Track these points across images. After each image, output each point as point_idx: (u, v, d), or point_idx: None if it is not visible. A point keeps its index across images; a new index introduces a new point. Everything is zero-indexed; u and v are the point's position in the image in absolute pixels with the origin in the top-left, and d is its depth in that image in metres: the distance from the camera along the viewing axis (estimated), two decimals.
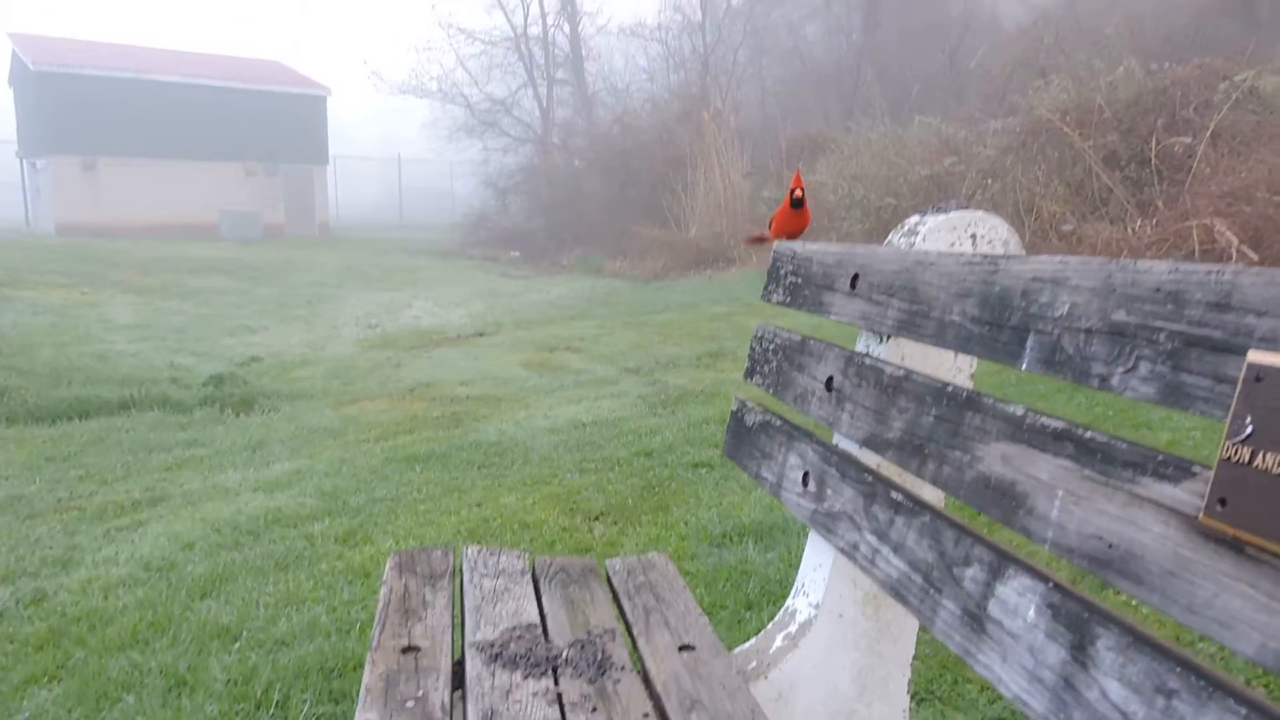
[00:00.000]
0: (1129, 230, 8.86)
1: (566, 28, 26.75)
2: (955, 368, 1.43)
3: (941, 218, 1.42)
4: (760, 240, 2.02)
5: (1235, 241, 8.11)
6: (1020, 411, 1.00)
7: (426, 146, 29.37)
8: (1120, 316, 0.87)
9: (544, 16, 26.60)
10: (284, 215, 30.02)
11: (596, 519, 3.71)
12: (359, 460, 4.80)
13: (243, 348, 9.27)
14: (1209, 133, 8.73)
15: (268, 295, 14.07)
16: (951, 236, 1.41)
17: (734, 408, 1.85)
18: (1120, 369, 0.86)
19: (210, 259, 19.16)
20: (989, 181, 10.21)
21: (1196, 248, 8.41)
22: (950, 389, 1.14)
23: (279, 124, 29.78)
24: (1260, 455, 0.69)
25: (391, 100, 26.97)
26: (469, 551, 1.83)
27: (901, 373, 1.27)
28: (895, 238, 1.48)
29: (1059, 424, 0.94)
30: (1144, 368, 0.84)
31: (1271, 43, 10.18)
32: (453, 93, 26.23)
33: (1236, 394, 0.72)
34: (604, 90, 26.44)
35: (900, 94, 18.20)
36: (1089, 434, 0.89)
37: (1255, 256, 8.02)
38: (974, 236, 1.41)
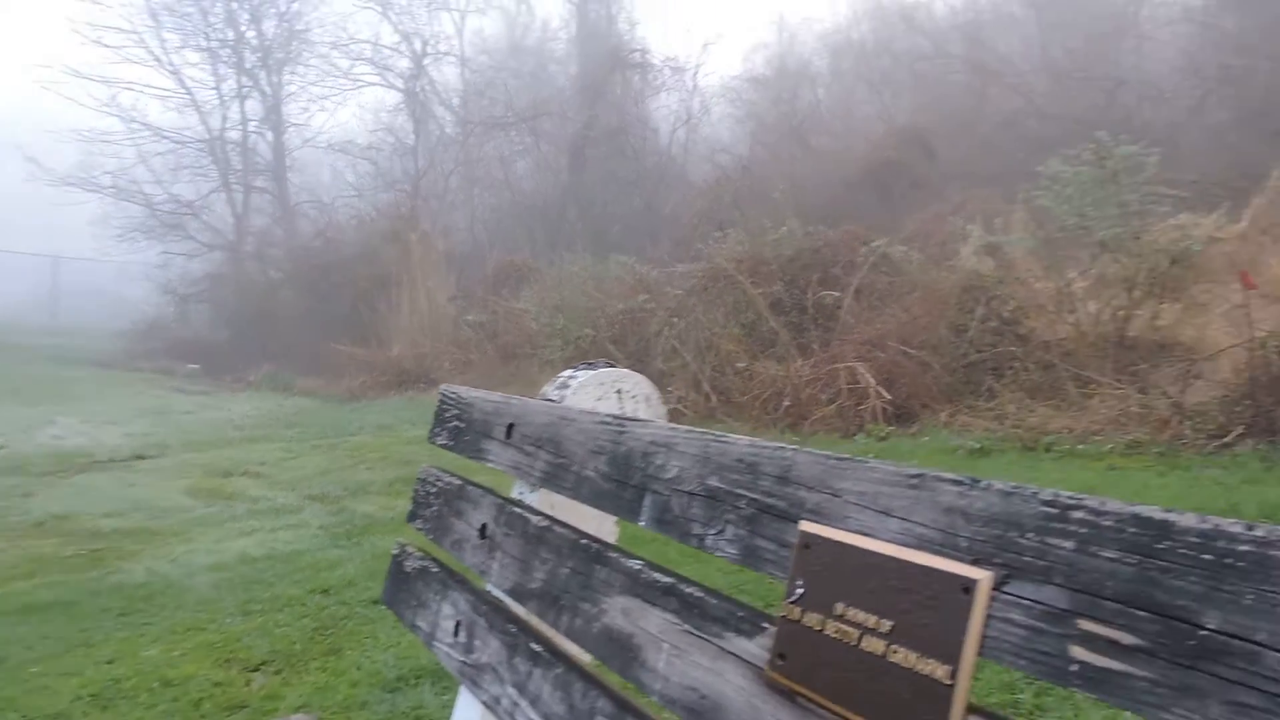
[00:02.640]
0: (791, 369, 9.98)
1: (270, 135, 25.78)
2: (600, 519, 1.50)
3: (591, 373, 1.52)
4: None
5: (873, 382, 9.40)
6: (638, 566, 1.07)
7: (93, 245, 26.39)
8: (714, 483, 0.98)
9: (245, 122, 25.46)
10: None
11: (256, 669, 3.36)
12: None
13: None
14: (853, 289, 10.20)
15: None
16: (599, 391, 1.51)
17: (395, 552, 1.80)
18: (713, 531, 0.96)
19: None
20: (676, 320, 11.09)
21: (844, 387, 9.63)
22: (584, 542, 1.20)
23: None
24: (808, 615, 0.79)
25: (53, 191, 24.01)
26: None
27: (545, 523, 1.31)
28: (550, 390, 1.55)
29: (668, 579, 1.01)
30: (730, 531, 0.94)
31: (900, 217, 12.26)
32: (130, 190, 23.96)
33: (792, 559, 0.83)
34: (307, 202, 25.58)
35: (602, 231, 19.49)
36: (690, 589, 0.97)
37: (889, 395, 9.33)
38: (619, 392, 1.52)
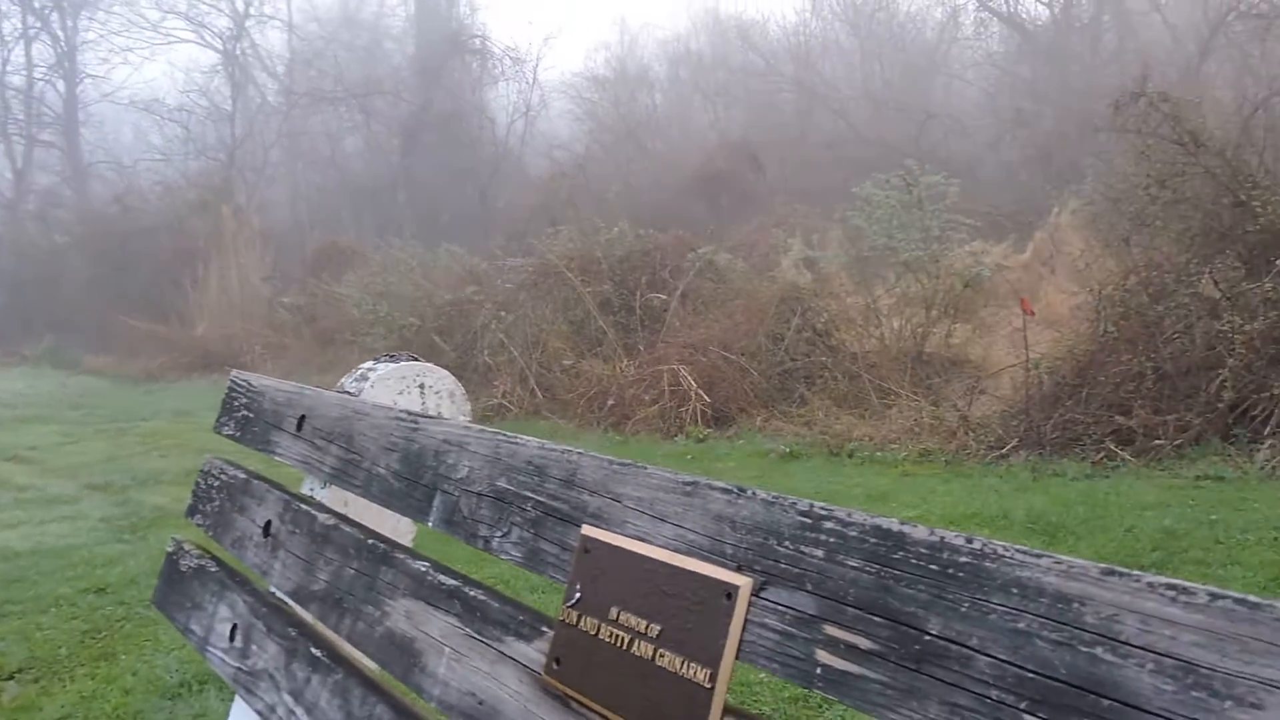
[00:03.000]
0: (616, 369, 10.10)
1: (61, 85, 23.35)
2: (398, 518, 1.45)
3: (392, 366, 1.47)
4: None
5: (695, 385, 9.66)
6: (424, 567, 1.04)
7: None
8: (503, 484, 0.97)
9: (30, 67, 22.92)
10: None
11: (10, 678, 3.04)
12: None
13: None
14: (679, 293, 10.46)
15: None
16: (400, 385, 1.46)
17: (169, 549, 1.67)
18: (499, 533, 0.95)
19: None
20: (504, 314, 10.97)
21: (667, 388, 9.85)
22: (371, 541, 1.15)
23: None
24: (585, 619, 0.80)
25: None
26: None
27: (332, 521, 1.25)
28: (347, 382, 1.48)
29: (452, 581, 0.99)
30: (515, 533, 0.93)
31: (727, 226, 12.68)
32: None
33: (573, 562, 0.83)
34: (104, 163, 23.35)
35: (432, 219, 18.98)
36: (474, 591, 0.96)
37: (709, 399, 9.62)
38: (422, 387, 1.48)
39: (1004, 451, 7.15)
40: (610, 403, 9.83)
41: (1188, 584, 0.47)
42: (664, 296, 10.58)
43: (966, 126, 16.37)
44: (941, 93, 18.98)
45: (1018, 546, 0.53)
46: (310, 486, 1.45)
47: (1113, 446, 6.75)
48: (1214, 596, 0.46)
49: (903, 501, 5.71)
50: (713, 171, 16.32)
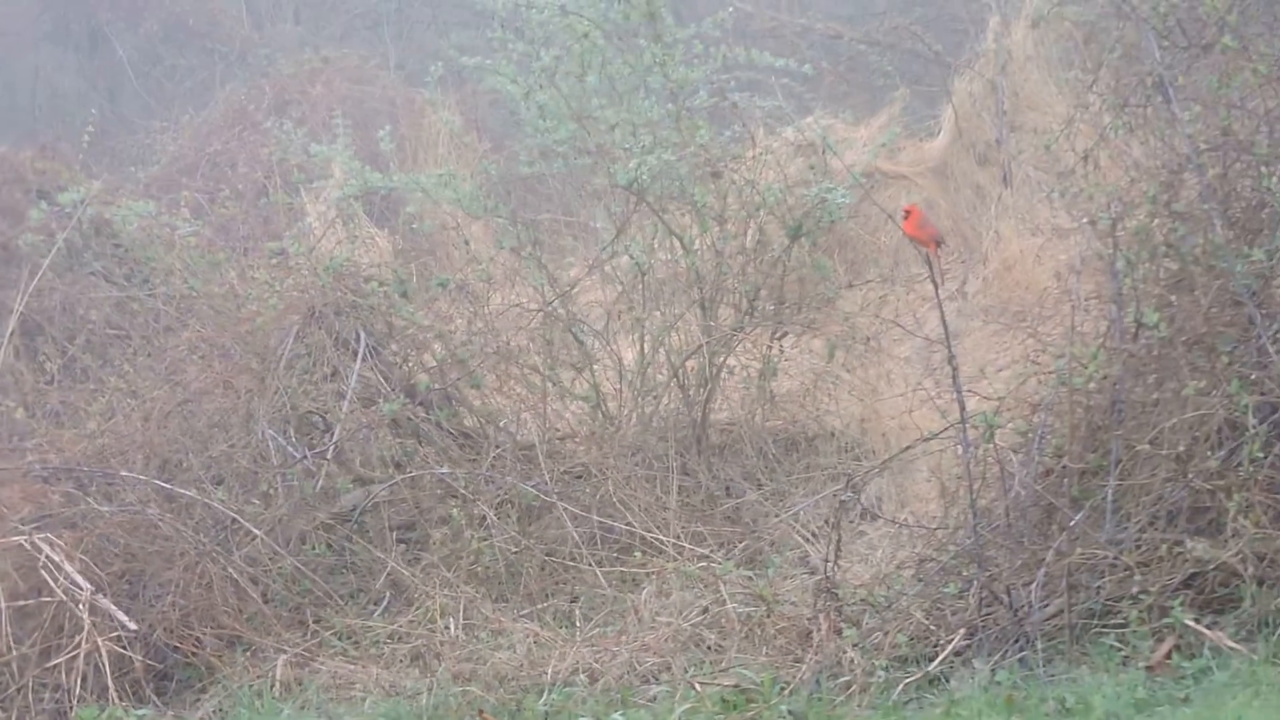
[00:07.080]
0: None
1: None
2: None
3: None
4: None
5: (86, 586, 3.48)
6: None
7: None
8: None
9: None
10: None
11: None
12: None
13: None
14: (13, 326, 3.77)
15: None
16: None
17: None
18: None
19: None
20: None
21: (4, 605, 3.51)
22: None
23: None
24: None
25: None
26: None
27: None
28: None
29: None
30: None
31: (125, 121, 5.80)
32: None
33: None
34: None
35: None
36: None
37: (131, 624, 3.49)
38: None
39: (933, 666, 2.88)
40: None
41: None
42: None
43: None
44: None
45: None
46: None
47: (1180, 615, 2.72)
48: None
49: None
50: None
